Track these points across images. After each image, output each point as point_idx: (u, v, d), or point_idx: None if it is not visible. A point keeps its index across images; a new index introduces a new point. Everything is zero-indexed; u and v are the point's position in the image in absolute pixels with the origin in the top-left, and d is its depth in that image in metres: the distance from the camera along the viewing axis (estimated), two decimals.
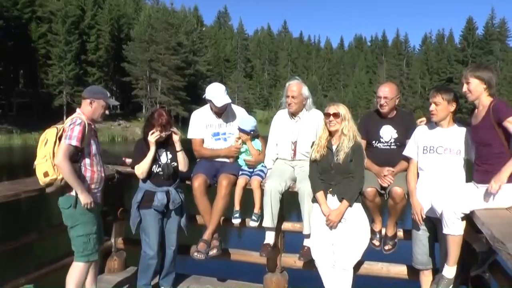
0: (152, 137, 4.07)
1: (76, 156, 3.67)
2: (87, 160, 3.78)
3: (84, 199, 3.65)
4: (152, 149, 4.08)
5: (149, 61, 66.24)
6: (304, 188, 4.11)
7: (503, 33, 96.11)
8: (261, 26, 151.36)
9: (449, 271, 3.44)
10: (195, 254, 4.28)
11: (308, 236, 4.18)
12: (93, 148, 3.83)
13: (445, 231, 3.35)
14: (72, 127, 3.62)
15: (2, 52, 50.83)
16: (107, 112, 3.94)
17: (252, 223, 4.36)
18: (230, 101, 4.56)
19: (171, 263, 4.37)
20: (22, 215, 10.22)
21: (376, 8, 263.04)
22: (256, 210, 4.36)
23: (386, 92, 4.23)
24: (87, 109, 3.82)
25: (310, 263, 4.17)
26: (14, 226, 9.52)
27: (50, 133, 3.67)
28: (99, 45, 66.09)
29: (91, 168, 3.82)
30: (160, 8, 79.65)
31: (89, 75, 64.16)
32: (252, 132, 4.58)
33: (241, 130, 4.58)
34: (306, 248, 4.19)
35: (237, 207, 4.40)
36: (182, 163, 4.24)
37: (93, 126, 3.87)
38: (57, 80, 59.21)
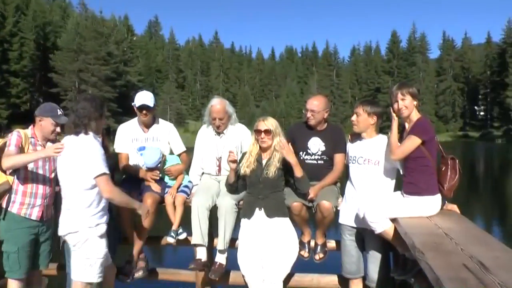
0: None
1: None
2: (21, 173, 4.09)
3: (45, 152, 3.98)
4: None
5: (78, 71, 70.28)
6: (223, 203, 4.46)
7: (424, 46, 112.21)
8: (192, 36, 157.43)
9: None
10: (120, 276, 4.55)
11: (222, 251, 4.52)
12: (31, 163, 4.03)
13: (377, 231, 3.84)
14: (10, 137, 4.12)
15: None
16: (58, 129, 4.24)
17: (170, 239, 4.68)
18: (151, 104, 4.80)
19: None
20: None
21: (306, 20, 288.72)
22: (175, 227, 4.71)
23: (314, 106, 4.63)
24: (38, 127, 4.22)
25: (240, 278, 4.48)
26: None
27: None
28: (23, 54, 69.29)
29: (25, 182, 4.10)
30: (88, 16, 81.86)
31: (12, 86, 67.46)
32: (159, 165, 4.80)
33: (148, 168, 4.76)
34: (218, 264, 4.54)
35: (174, 226, 4.74)
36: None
37: (39, 142, 4.23)
38: None
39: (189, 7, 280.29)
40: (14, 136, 4.10)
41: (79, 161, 3.72)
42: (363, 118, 4.19)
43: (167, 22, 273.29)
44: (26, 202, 4.16)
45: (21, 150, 4.08)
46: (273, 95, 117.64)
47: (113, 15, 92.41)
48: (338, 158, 4.72)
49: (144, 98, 4.83)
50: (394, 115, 4.03)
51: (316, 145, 4.76)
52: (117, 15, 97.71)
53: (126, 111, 70.46)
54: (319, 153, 4.75)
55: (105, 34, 78.08)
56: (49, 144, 4.25)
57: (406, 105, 3.91)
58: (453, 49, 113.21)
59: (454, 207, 4.11)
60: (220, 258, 4.60)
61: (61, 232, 3.85)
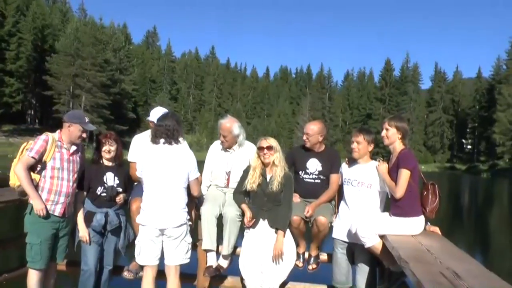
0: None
1: (36, 167, 4.42)
2: (48, 172, 4.44)
3: (36, 205, 4.33)
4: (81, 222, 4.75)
5: (74, 76, 70.18)
6: (228, 213, 4.83)
7: (416, 76, 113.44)
8: (189, 49, 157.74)
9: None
10: (125, 273, 4.94)
11: (225, 256, 4.91)
12: (57, 162, 4.46)
13: (366, 246, 4.23)
14: (36, 141, 4.41)
15: None
16: (84, 135, 4.59)
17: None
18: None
19: (105, 282, 4.89)
20: None
21: (302, 41, 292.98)
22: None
23: (309, 130, 5.07)
24: (65, 132, 4.55)
25: (238, 284, 4.94)
26: None
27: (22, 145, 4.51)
28: (19, 54, 69.50)
29: (51, 180, 4.45)
30: (88, 21, 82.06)
31: (6, 85, 67.63)
32: None
33: None
34: (218, 265, 4.95)
35: None
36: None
37: (65, 146, 4.54)
38: None
39: (187, 20, 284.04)
40: (40, 142, 4.43)
41: (183, 166, 4.33)
42: (363, 146, 4.64)
43: (165, 34, 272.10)
44: (51, 199, 4.47)
45: (42, 155, 4.42)
46: (265, 113, 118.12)
47: (112, 22, 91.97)
48: (334, 178, 5.12)
49: None
50: (378, 171, 4.57)
51: (314, 165, 5.14)
52: (116, 23, 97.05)
53: (117, 119, 72.62)
54: (316, 172, 5.13)
55: (103, 41, 78.18)
56: (38, 204, 4.42)
57: (388, 135, 4.41)
58: (445, 82, 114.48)
59: (436, 229, 4.50)
60: (222, 262, 4.97)
61: (172, 224, 4.34)
